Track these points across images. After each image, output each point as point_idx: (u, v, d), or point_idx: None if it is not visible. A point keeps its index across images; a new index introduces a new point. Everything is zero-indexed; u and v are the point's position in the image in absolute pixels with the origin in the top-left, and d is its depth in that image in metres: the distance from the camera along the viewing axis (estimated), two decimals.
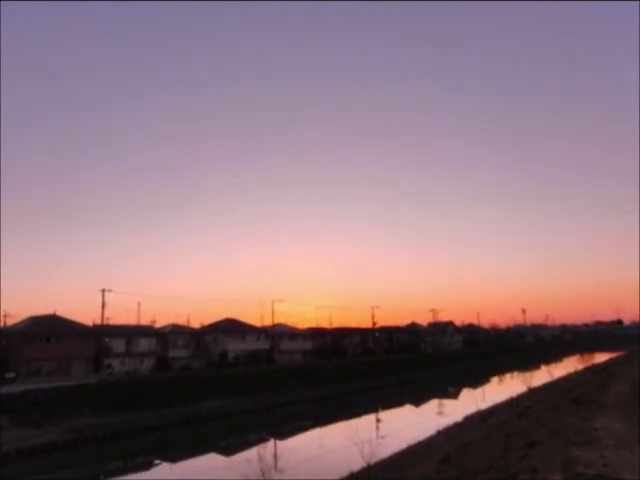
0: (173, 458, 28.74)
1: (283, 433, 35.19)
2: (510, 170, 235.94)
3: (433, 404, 47.96)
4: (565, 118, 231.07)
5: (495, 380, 69.35)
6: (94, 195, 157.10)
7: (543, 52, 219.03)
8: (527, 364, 79.28)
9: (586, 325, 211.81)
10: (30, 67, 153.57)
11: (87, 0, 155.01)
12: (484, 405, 36.34)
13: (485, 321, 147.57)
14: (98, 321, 51.94)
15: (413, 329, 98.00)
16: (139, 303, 63.74)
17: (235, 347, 61.61)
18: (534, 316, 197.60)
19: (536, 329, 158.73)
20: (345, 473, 18.36)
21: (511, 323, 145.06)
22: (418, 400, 50.13)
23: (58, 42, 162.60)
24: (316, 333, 78.71)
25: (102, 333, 51.29)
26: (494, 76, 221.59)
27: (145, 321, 64.64)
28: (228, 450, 30.50)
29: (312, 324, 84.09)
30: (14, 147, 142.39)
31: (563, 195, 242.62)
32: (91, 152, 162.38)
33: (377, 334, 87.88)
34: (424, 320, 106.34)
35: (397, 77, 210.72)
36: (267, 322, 69.04)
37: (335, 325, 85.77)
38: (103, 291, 49.89)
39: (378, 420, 39.48)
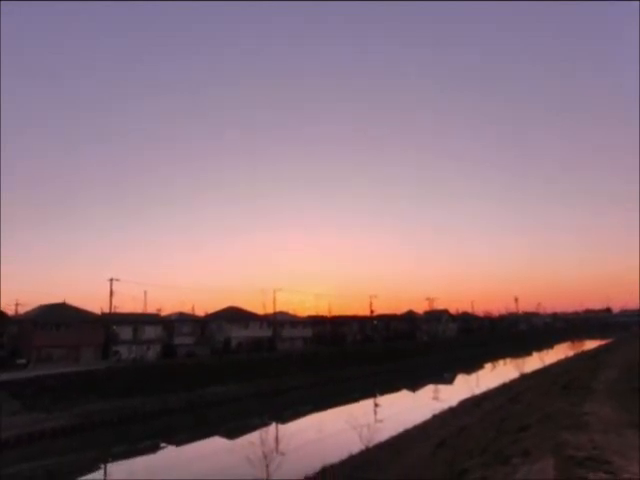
0: (178, 441, 29.44)
1: (284, 417, 35.95)
2: (508, 167, 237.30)
3: (429, 389, 49.02)
4: (565, 118, 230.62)
5: (489, 366, 70.53)
6: (99, 192, 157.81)
7: (543, 52, 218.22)
8: (519, 351, 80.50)
9: (576, 313, 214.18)
10: (30, 67, 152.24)
11: (87, 0, 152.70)
12: (478, 390, 37.32)
13: (479, 309, 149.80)
14: (106, 309, 52.68)
15: (410, 317, 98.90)
16: (145, 292, 64.86)
17: (238, 334, 62.32)
18: (526, 305, 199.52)
19: (528, 317, 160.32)
20: (345, 455, 19.16)
21: (504, 311, 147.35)
22: (414, 386, 51.14)
23: (58, 42, 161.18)
24: (316, 321, 79.34)
25: (110, 321, 51.94)
26: (494, 76, 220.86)
27: (151, 309, 66.01)
28: (231, 434, 31.20)
29: (312, 312, 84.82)
30: (14, 147, 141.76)
31: (557, 192, 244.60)
32: (91, 152, 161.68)
33: (375, 322, 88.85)
34: (420, 308, 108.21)
35: (397, 77, 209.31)
36: (269, 310, 70.05)
37: (334, 313, 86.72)
38: (111, 280, 50.52)
39: (376, 405, 40.42)
